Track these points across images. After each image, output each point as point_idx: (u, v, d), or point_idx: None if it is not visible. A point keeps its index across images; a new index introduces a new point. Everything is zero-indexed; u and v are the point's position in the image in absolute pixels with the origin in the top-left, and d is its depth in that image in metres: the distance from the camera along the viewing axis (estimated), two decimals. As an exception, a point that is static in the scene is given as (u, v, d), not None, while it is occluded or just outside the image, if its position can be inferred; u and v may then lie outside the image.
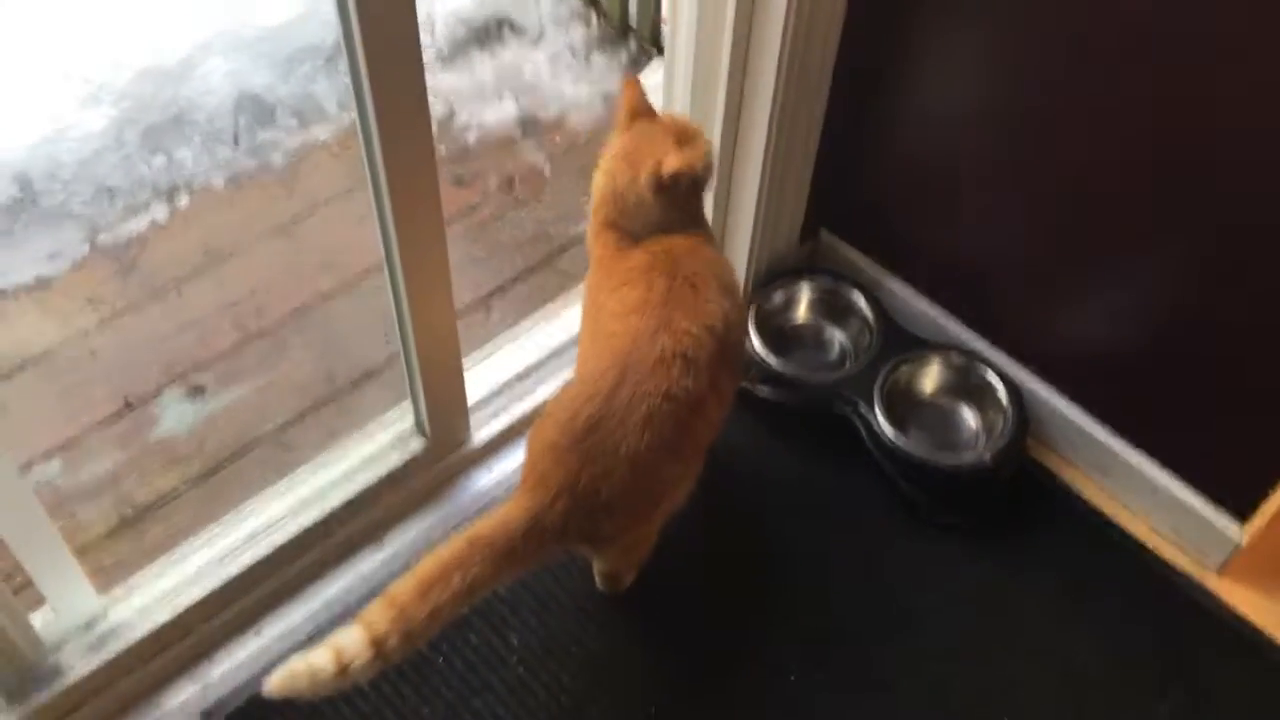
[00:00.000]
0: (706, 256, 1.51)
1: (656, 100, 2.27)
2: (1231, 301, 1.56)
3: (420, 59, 1.33)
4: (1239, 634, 1.70)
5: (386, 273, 1.55)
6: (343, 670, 1.27)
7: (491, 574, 1.35)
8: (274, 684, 1.26)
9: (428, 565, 1.34)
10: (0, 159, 2.21)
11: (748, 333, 1.85)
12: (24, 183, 2.21)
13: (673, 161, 1.43)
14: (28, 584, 1.51)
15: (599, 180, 1.54)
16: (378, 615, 1.30)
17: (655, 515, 1.52)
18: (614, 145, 1.53)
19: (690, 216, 1.53)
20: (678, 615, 1.69)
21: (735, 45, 1.69)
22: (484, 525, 1.38)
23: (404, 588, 1.32)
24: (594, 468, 1.37)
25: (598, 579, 1.68)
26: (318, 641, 1.29)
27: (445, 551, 1.35)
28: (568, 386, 1.48)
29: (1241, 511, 1.72)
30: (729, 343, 1.48)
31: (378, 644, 1.28)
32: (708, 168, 1.48)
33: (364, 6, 1.23)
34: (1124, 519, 1.82)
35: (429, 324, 1.60)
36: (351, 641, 1.28)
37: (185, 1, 2.51)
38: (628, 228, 1.51)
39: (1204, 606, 1.73)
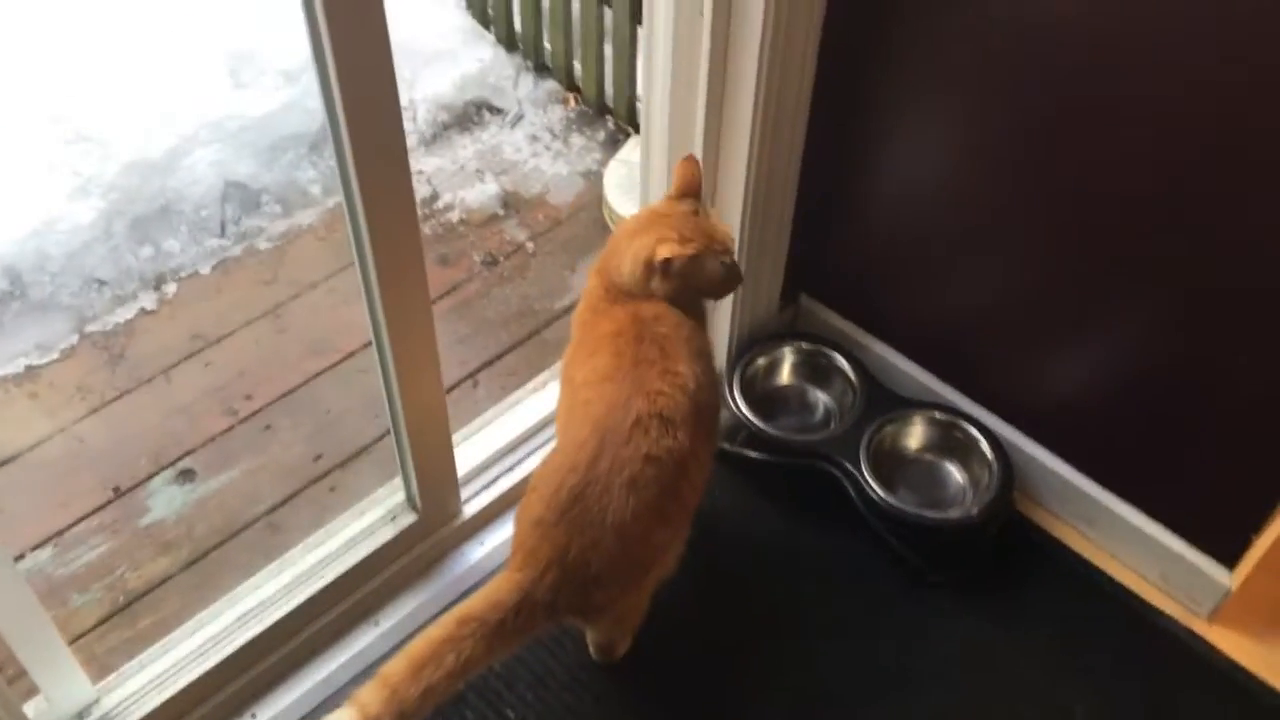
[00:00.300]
0: (673, 320, 1.52)
1: (634, 175, 2.34)
2: (1210, 350, 1.59)
3: (404, 143, 1.37)
4: (1231, 679, 1.70)
5: (375, 350, 1.57)
6: None
7: (484, 651, 1.36)
8: None
9: (419, 645, 1.35)
10: (-11, 253, 2.24)
11: (724, 397, 1.88)
12: (13, 275, 2.23)
13: (666, 250, 1.46)
14: (21, 674, 1.50)
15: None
16: (370, 697, 1.30)
17: (646, 582, 1.52)
18: (649, 207, 1.58)
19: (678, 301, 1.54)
20: (670, 681, 1.69)
21: (709, 120, 1.74)
22: (474, 602, 1.38)
23: (396, 668, 1.32)
24: (582, 539, 1.38)
25: (592, 649, 1.67)
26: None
27: (436, 630, 1.36)
28: (550, 457, 1.49)
29: (1230, 557, 1.73)
30: (702, 403, 1.49)
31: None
32: (712, 273, 1.51)
33: (349, 95, 1.27)
34: (1112, 569, 1.83)
35: (418, 400, 1.62)
36: None
37: (171, 95, 2.56)
38: (613, 283, 1.53)
39: (1196, 653, 1.73)
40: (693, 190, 1.54)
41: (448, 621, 1.36)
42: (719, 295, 1.59)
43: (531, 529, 1.42)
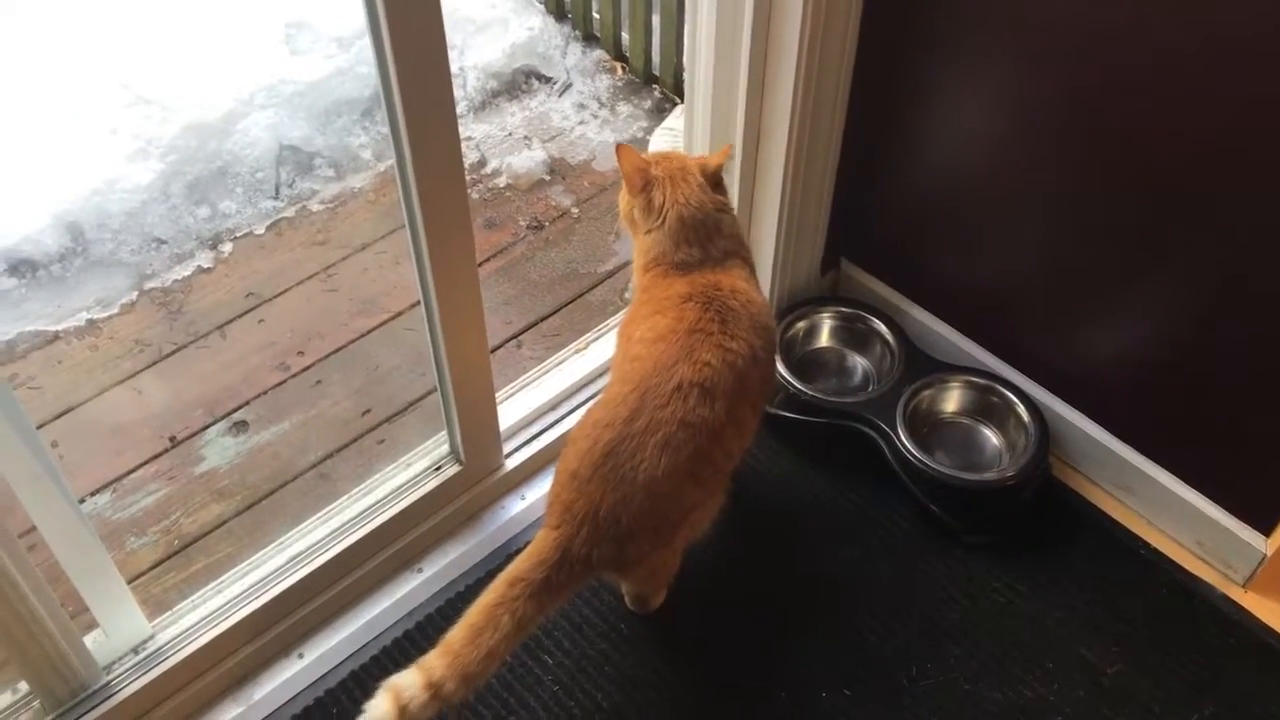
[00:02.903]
0: (744, 293, 1.55)
1: (679, 144, 2.36)
2: (1248, 316, 1.59)
3: (454, 109, 1.41)
4: (1268, 645, 1.71)
5: (423, 309, 1.61)
6: (402, 710, 1.34)
7: (535, 609, 1.41)
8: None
9: (475, 612, 1.40)
10: (54, 210, 2.32)
11: (777, 371, 1.90)
12: (76, 232, 2.31)
13: (714, 158, 1.59)
14: (83, 610, 1.56)
15: (644, 218, 1.59)
16: (435, 662, 1.37)
17: (676, 540, 1.55)
18: (653, 186, 1.58)
19: (727, 250, 1.58)
20: (709, 635, 1.72)
21: (751, 89, 1.76)
22: (520, 563, 1.43)
23: (457, 635, 1.39)
24: (614, 494, 1.42)
25: (627, 600, 1.71)
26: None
27: (489, 596, 1.41)
28: (591, 410, 1.53)
29: (1266, 524, 1.73)
30: (751, 378, 1.51)
31: (434, 688, 1.35)
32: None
33: (402, 62, 1.31)
34: (1148, 535, 1.83)
35: (463, 356, 1.66)
36: (409, 684, 1.35)
37: (228, 61, 2.62)
38: (682, 258, 1.56)
39: (1232, 619, 1.73)
40: (641, 163, 1.59)
41: (498, 586, 1.42)
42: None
43: (568, 482, 1.46)
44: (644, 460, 1.42)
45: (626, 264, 2.31)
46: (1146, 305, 1.70)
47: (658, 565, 1.60)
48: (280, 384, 2.10)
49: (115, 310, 2.21)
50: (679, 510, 1.49)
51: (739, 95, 1.78)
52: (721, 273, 1.56)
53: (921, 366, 1.92)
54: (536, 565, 1.42)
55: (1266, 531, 1.73)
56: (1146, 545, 1.82)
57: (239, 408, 2.06)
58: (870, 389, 1.95)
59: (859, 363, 2.01)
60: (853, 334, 2.02)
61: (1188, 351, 1.69)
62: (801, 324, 2.01)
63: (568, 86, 2.72)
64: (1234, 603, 1.75)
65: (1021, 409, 1.85)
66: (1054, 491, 1.88)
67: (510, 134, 2.60)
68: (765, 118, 1.81)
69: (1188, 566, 1.80)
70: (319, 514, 1.76)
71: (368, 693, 1.63)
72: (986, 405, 1.90)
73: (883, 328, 1.98)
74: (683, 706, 1.65)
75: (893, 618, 1.73)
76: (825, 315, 2.03)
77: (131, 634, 1.60)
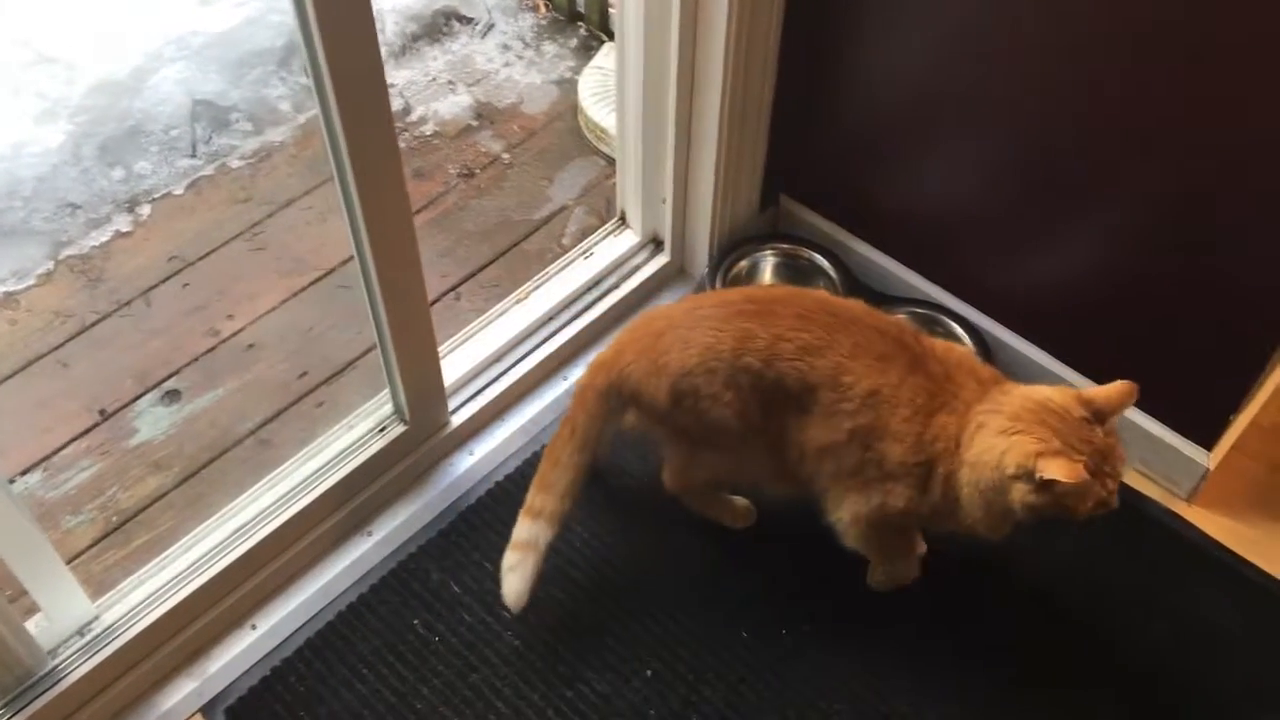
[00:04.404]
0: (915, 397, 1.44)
1: (609, 83, 2.32)
2: (1186, 238, 1.60)
3: (378, 51, 1.36)
4: (1212, 557, 1.75)
5: (358, 264, 1.56)
6: (532, 546, 1.55)
7: (586, 420, 1.58)
8: (513, 600, 1.56)
9: (550, 441, 1.61)
10: (-42, 180, 2.21)
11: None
12: (-17, 202, 2.20)
13: (1056, 469, 1.29)
14: (21, 593, 1.51)
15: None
16: (530, 496, 1.59)
17: (680, 443, 1.62)
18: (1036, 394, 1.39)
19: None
20: (664, 588, 1.71)
21: (684, 21, 1.72)
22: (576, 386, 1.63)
23: (540, 467, 1.60)
24: (637, 361, 1.54)
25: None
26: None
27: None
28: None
29: (1208, 439, 1.76)
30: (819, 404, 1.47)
31: (535, 513, 1.56)
32: (1088, 499, 1.35)
33: (321, 5, 1.24)
34: (1094, 456, 1.86)
35: (403, 311, 1.62)
36: (523, 528, 1.57)
37: (132, 12, 2.51)
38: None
39: (1177, 533, 1.77)
40: (1110, 410, 1.36)
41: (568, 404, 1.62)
42: (1078, 521, 1.38)
43: (613, 344, 1.61)
44: (673, 359, 1.50)
45: (562, 209, 2.27)
46: (1086, 229, 1.71)
47: (673, 457, 1.65)
48: (211, 350, 2.04)
49: (32, 281, 2.12)
50: (676, 422, 1.56)
51: (671, 31, 1.74)
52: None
53: (864, 299, 1.90)
54: (580, 389, 1.61)
55: (1208, 446, 1.77)
56: (1092, 466, 1.85)
57: (170, 376, 2.00)
58: (815, 325, 1.94)
59: (802, 299, 2.00)
60: (795, 270, 2.01)
61: (1127, 273, 1.70)
62: (744, 263, 1.99)
63: (490, 27, 2.64)
64: (1179, 517, 1.79)
65: (965, 337, 1.86)
66: (1000, 417, 1.89)
67: (434, 79, 2.52)
68: (699, 52, 1.77)
69: (1133, 484, 1.83)
70: (262, 482, 1.72)
71: (324, 660, 1.62)
72: (931, 336, 1.90)
73: (824, 262, 1.97)
74: (643, 652, 1.64)
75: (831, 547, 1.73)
76: (767, 252, 2.01)
77: (75, 616, 1.55)
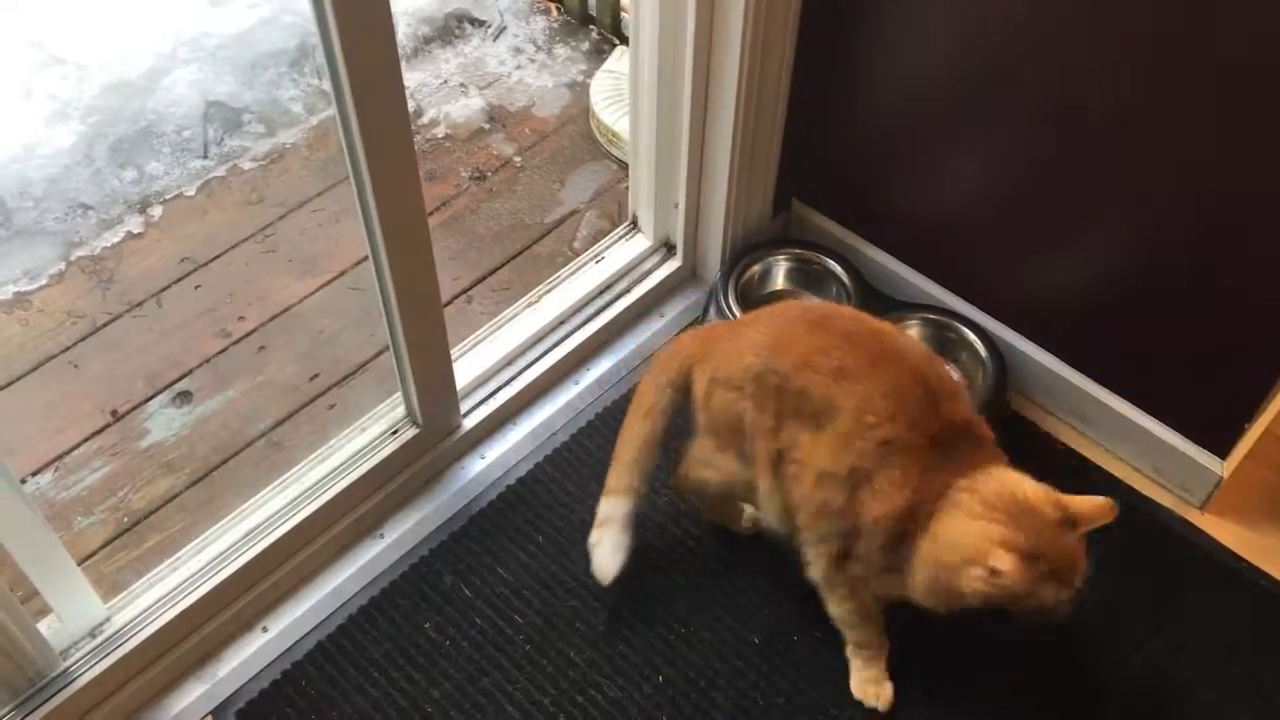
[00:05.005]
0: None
1: (621, 86, 2.31)
2: (1202, 245, 1.60)
3: (396, 53, 1.36)
4: (1227, 567, 1.74)
5: (372, 266, 1.56)
6: (608, 520, 1.59)
7: (653, 392, 1.58)
8: (603, 574, 1.59)
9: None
10: (-29, 181, 2.21)
11: (721, 310, 1.88)
12: (-4, 202, 2.20)
13: (1004, 562, 1.28)
14: (33, 594, 1.51)
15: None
16: (609, 477, 1.61)
17: (702, 443, 1.59)
18: (1019, 490, 1.37)
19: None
20: (675, 594, 1.71)
21: (699, 26, 1.72)
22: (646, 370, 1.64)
23: (616, 449, 1.62)
24: (699, 360, 1.54)
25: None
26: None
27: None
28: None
29: (1222, 447, 1.76)
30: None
31: (608, 491, 1.60)
32: (1040, 601, 1.34)
33: (341, 4, 1.24)
34: (1106, 462, 1.86)
35: (417, 314, 1.62)
36: (606, 507, 1.60)
37: (145, 14, 2.51)
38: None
39: (1191, 541, 1.77)
40: (1084, 522, 1.35)
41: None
42: (1027, 619, 1.37)
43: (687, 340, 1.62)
44: (722, 365, 1.51)
45: (573, 213, 2.26)
46: (1099, 236, 1.70)
47: (698, 449, 1.62)
48: (222, 351, 2.04)
49: (44, 282, 2.12)
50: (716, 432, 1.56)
51: (687, 35, 1.73)
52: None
53: (877, 305, 1.91)
54: (647, 377, 1.62)
55: (1222, 454, 1.76)
56: (1105, 473, 1.84)
57: (181, 378, 1.99)
58: (827, 330, 1.93)
59: (815, 304, 2.00)
60: (807, 275, 2.00)
61: (1140, 279, 1.70)
62: (756, 267, 1.99)
63: (502, 30, 2.64)
64: (1192, 525, 1.79)
65: (978, 344, 1.85)
66: (1012, 423, 1.89)
67: (446, 82, 2.52)
68: (714, 59, 1.77)
69: (1146, 492, 1.82)
70: (274, 484, 1.72)
71: (335, 663, 1.62)
72: (943, 342, 1.90)
73: (837, 268, 1.97)
74: (652, 660, 1.64)
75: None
76: (779, 258, 2.01)
77: (87, 617, 1.55)
